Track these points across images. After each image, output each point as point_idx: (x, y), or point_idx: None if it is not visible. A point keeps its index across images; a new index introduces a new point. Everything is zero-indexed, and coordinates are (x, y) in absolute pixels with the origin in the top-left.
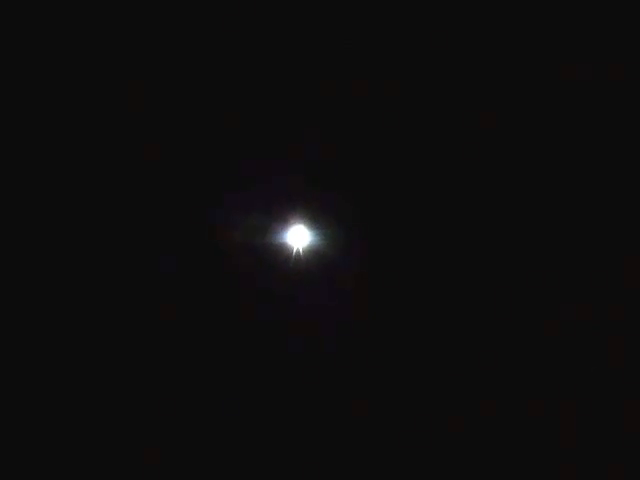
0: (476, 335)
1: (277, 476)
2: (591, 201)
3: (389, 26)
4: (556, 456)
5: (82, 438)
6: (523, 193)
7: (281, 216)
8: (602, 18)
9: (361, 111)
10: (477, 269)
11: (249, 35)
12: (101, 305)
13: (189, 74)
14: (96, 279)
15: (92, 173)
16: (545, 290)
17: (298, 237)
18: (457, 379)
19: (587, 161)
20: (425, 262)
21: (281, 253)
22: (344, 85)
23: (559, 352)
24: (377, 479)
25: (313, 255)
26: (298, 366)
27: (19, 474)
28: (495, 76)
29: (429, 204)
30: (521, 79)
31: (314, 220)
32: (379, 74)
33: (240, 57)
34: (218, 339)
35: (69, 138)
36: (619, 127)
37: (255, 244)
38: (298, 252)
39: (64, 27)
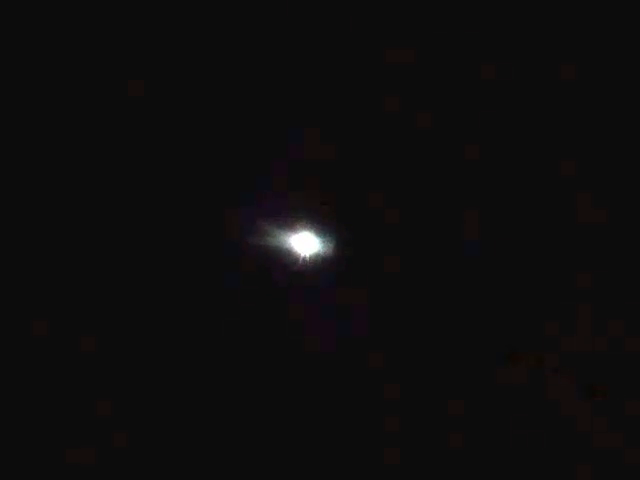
0: (477, 337)
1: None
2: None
3: (386, 27)
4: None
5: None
6: (525, 196)
7: (288, 222)
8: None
9: (369, 118)
10: (480, 274)
11: (251, 43)
12: (103, 302)
13: (194, 81)
14: (101, 277)
15: (106, 177)
16: (543, 293)
17: (305, 244)
18: (455, 380)
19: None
20: (431, 268)
21: (287, 259)
22: (350, 93)
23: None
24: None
25: (319, 261)
26: (301, 368)
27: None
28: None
29: (436, 210)
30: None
31: (321, 227)
32: (381, 76)
33: (240, 63)
34: (222, 343)
35: (78, 148)
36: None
37: (262, 250)
38: (305, 258)
39: (64, 27)
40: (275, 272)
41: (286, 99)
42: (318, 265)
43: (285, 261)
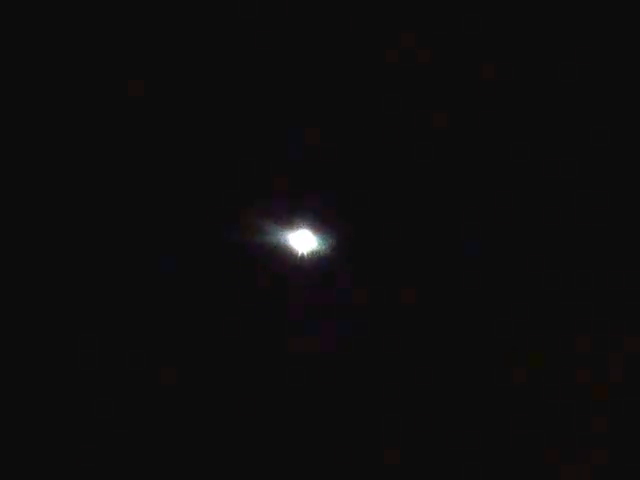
0: (477, 336)
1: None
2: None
3: (386, 26)
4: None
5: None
6: (525, 196)
7: (285, 220)
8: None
9: (369, 118)
10: (480, 274)
11: (251, 40)
12: (104, 301)
13: (194, 81)
14: (100, 276)
15: (104, 177)
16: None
17: (302, 241)
18: (455, 381)
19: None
20: (431, 267)
21: (284, 257)
22: (347, 89)
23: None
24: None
25: (316, 259)
26: (298, 369)
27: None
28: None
29: (436, 210)
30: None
31: (318, 224)
32: (381, 76)
33: (240, 63)
34: (218, 342)
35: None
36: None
37: (258, 247)
38: (302, 256)
39: (64, 27)
40: (274, 271)
41: (286, 99)
42: (317, 264)
43: (284, 259)
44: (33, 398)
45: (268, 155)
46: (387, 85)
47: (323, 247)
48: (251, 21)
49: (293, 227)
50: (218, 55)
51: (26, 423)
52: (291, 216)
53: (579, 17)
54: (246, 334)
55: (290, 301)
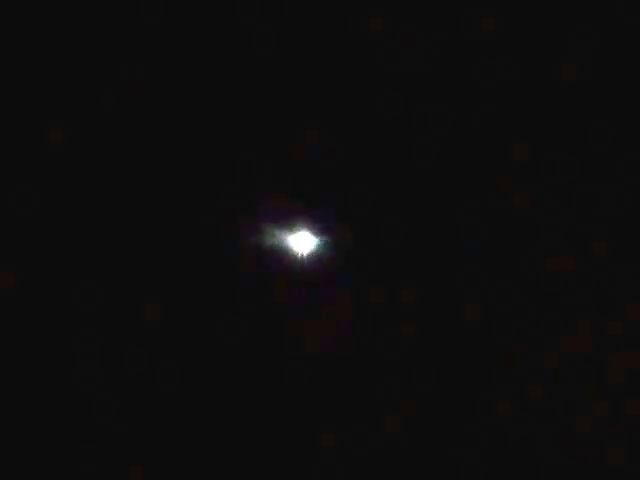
0: (477, 337)
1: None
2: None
3: (388, 26)
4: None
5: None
6: (525, 196)
7: (285, 222)
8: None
9: (368, 114)
10: (480, 274)
11: (248, 39)
12: (104, 301)
13: (194, 81)
14: (100, 276)
15: (104, 177)
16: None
17: (302, 243)
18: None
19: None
20: (431, 268)
21: (284, 258)
22: (349, 89)
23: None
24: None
25: (316, 261)
26: (298, 369)
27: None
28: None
29: (435, 209)
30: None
31: (318, 226)
32: (381, 74)
33: (240, 63)
34: (218, 344)
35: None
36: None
37: (259, 249)
38: (302, 258)
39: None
40: (274, 272)
41: (286, 99)
42: (318, 264)
43: (284, 260)
44: (33, 398)
45: (268, 156)
46: (387, 85)
47: (323, 248)
48: (249, 21)
49: (293, 228)
50: (218, 57)
51: (26, 423)
52: (291, 217)
53: (579, 17)
54: (246, 334)
55: (290, 302)
